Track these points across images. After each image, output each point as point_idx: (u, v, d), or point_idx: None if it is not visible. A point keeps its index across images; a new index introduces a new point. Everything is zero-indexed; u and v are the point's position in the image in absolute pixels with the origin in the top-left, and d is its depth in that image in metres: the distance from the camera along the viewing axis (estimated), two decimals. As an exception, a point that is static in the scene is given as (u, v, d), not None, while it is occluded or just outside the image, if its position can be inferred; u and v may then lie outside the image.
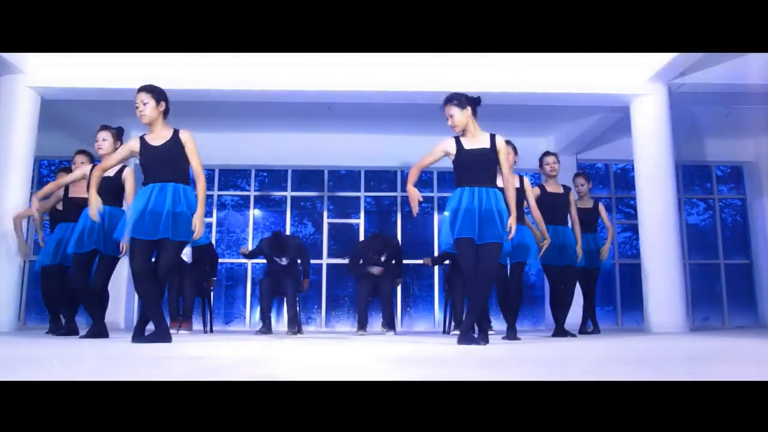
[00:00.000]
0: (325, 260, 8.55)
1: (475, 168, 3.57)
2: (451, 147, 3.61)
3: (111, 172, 4.29)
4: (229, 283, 8.92)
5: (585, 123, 7.76)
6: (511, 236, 3.54)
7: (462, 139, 3.62)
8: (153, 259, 3.57)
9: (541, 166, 5.06)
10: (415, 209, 3.59)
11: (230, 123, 8.04)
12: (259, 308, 7.78)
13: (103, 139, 4.36)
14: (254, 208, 8.96)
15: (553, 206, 4.90)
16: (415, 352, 2.81)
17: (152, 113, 3.60)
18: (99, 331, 4.20)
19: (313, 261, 8.19)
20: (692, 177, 9.37)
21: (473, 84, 6.32)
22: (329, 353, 2.73)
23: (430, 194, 9.02)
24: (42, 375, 1.61)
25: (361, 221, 8.82)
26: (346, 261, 8.49)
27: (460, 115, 3.60)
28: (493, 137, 3.62)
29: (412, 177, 3.68)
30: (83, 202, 4.46)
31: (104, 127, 4.44)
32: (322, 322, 8.53)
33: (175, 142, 3.58)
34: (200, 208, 3.54)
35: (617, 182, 9.27)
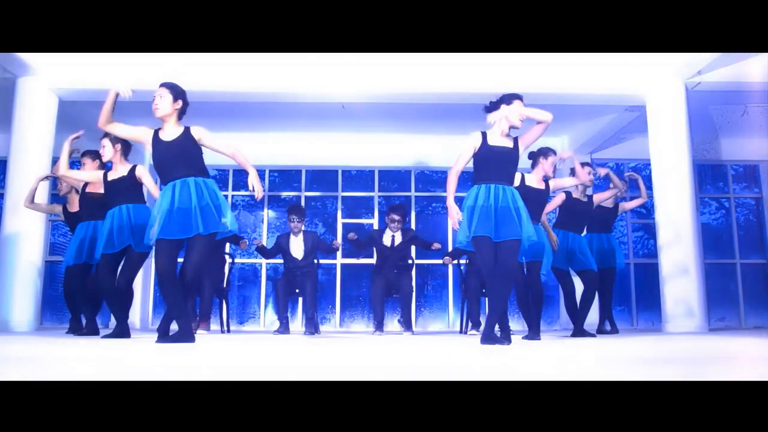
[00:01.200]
0: (339, 260, 8.55)
1: (495, 165, 3.56)
2: (477, 140, 3.58)
3: (124, 172, 4.31)
4: (239, 282, 8.93)
5: (600, 122, 7.73)
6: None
7: (488, 134, 3.61)
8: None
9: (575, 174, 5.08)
10: (456, 226, 3.53)
11: (243, 123, 8.05)
12: (274, 308, 7.80)
13: (102, 146, 4.39)
14: (267, 208, 8.97)
15: (581, 212, 4.94)
16: (470, 352, 2.80)
17: (166, 108, 3.60)
18: (121, 331, 4.22)
19: (326, 261, 8.22)
20: (704, 176, 9.32)
21: (487, 84, 6.33)
22: (380, 353, 2.73)
23: (445, 193, 8.98)
24: (84, 375, 1.61)
25: (375, 221, 8.82)
26: (360, 261, 8.52)
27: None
28: (516, 139, 3.62)
29: (452, 187, 3.56)
30: (99, 197, 4.49)
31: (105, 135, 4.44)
32: (337, 322, 8.53)
33: (186, 138, 3.58)
34: (252, 169, 3.58)
35: (630, 182, 9.21)
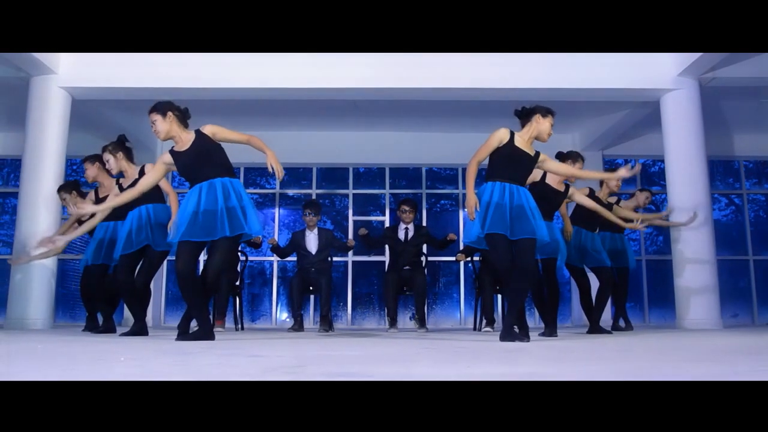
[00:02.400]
0: (351, 257, 8.55)
1: (514, 166, 3.57)
2: (505, 136, 3.57)
3: (135, 175, 4.29)
4: (248, 280, 8.94)
5: (612, 119, 7.71)
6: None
7: (516, 136, 3.62)
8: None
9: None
10: (472, 216, 3.52)
11: (255, 121, 8.05)
12: (288, 306, 7.81)
13: (106, 161, 4.37)
14: (276, 206, 8.98)
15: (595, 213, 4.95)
16: (501, 348, 2.80)
17: (164, 128, 3.60)
18: (139, 329, 4.24)
19: (338, 259, 8.22)
20: (714, 172, 9.29)
21: (499, 81, 6.34)
22: (410, 351, 2.72)
23: (455, 191, 9.00)
24: (107, 374, 1.62)
25: (386, 218, 8.82)
26: (370, 258, 8.53)
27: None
28: (538, 153, 3.67)
29: (473, 177, 3.55)
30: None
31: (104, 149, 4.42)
32: (348, 320, 8.53)
33: (200, 139, 3.58)
34: (269, 150, 3.53)
35: (633, 178, 9.20)
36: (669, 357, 2.21)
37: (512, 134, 3.60)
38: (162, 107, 3.63)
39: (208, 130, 3.61)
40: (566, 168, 4.06)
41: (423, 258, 6.24)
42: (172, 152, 3.65)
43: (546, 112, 3.69)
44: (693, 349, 2.71)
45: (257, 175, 9.15)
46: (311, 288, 5.97)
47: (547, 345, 3.14)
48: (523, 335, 3.59)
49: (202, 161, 3.55)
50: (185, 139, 3.62)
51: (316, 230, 5.99)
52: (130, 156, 4.41)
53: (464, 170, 8.98)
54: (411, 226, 6.08)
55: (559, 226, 4.53)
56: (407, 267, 5.98)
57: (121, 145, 4.39)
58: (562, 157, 4.60)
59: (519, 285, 3.49)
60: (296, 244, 6.01)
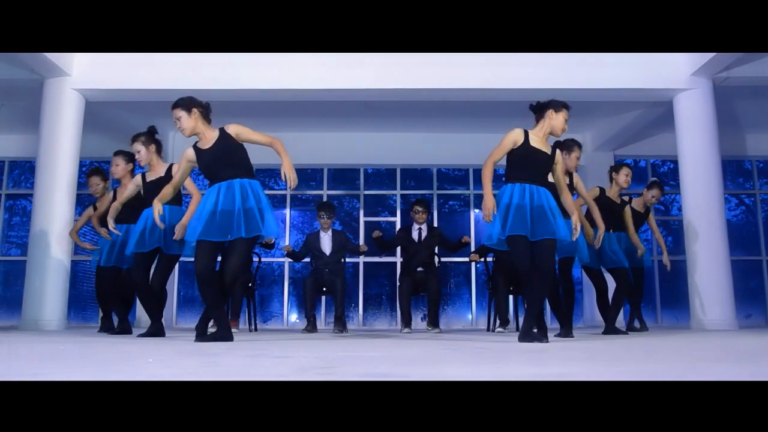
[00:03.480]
0: (362, 259, 8.55)
1: (533, 166, 3.56)
2: (519, 137, 3.56)
3: (161, 172, 4.32)
4: (258, 282, 8.94)
5: (624, 119, 7.68)
6: (576, 235, 3.53)
7: (530, 134, 3.60)
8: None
9: (617, 173, 5.07)
10: (489, 219, 3.48)
11: (266, 122, 8.03)
12: (300, 307, 7.81)
13: (137, 151, 4.37)
14: (287, 207, 8.99)
15: (612, 212, 4.92)
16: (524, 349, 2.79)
17: (189, 124, 3.61)
18: (156, 330, 4.24)
19: (349, 260, 8.20)
20: (724, 172, 9.23)
21: (511, 81, 6.32)
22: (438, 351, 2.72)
23: (466, 191, 8.99)
24: (140, 374, 1.61)
25: (397, 219, 8.82)
26: (382, 259, 8.52)
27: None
28: (554, 149, 3.64)
29: (489, 178, 3.51)
30: (133, 203, 4.49)
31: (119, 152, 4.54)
32: (360, 321, 8.53)
33: (223, 139, 3.58)
34: (286, 158, 3.51)
35: (645, 179, 9.17)
36: (699, 357, 2.20)
37: (526, 134, 3.58)
38: (186, 103, 3.63)
39: (233, 129, 3.61)
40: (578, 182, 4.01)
41: (436, 259, 6.24)
42: (195, 148, 3.66)
43: (560, 106, 3.65)
44: (719, 349, 2.69)
45: (267, 176, 9.16)
46: (324, 289, 5.98)
47: (568, 346, 3.12)
48: (542, 336, 3.58)
49: (223, 161, 3.55)
50: (209, 136, 3.63)
51: (330, 232, 6.02)
52: (159, 149, 4.43)
53: (475, 171, 9.06)
54: (424, 227, 6.09)
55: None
56: (420, 268, 6.00)
57: (152, 136, 4.41)
58: (557, 145, 4.51)
59: (538, 287, 3.48)
60: (310, 245, 6.03)
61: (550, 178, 3.77)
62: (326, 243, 5.98)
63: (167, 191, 3.84)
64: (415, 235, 6.06)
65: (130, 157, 4.78)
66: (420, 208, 6.08)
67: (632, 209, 5.39)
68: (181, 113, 3.61)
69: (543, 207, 3.47)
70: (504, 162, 3.61)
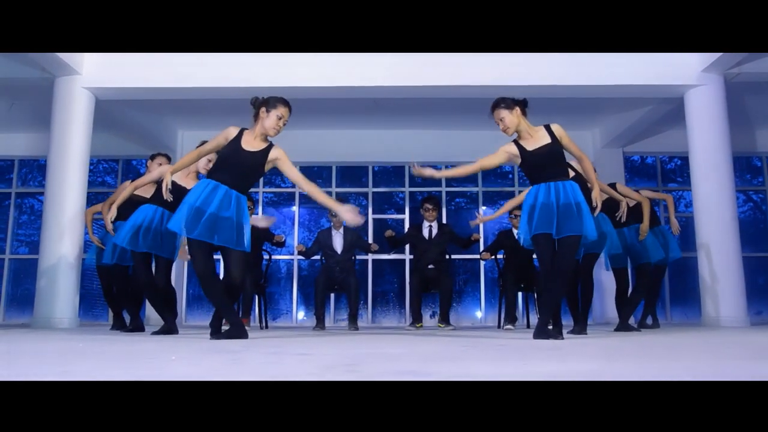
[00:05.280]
0: (371, 256, 8.55)
1: (543, 166, 3.55)
2: (514, 152, 3.59)
3: (188, 184, 4.14)
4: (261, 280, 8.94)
5: (633, 115, 7.66)
6: (597, 210, 3.52)
7: (522, 143, 3.60)
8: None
9: None
10: (421, 173, 3.65)
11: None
12: (311, 304, 7.79)
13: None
14: (295, 205, 8.99)
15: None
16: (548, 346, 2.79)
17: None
18: (170, 328, 4.25)
19: (358, 257, 8.21)
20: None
21: (519, 77, 6.30)
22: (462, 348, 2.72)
23: (475, 189, 8.98)
24: (168, 374, 1.62)
25: (406, 217, 8.82)
26: (390, 256, 8.52)
27: (510, 117, 3.58)
28: (548, 128, 3.59)
29: (458, 172, 3.72)
30: (141, 200, 4.48)
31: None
32: (369, 318, 8.54)
33: (263, 156, 3.49)
34: (337, 205, 3.49)
35: (654, 175, 9.14)
36: (722, 354, 2.19)
37: (518, 145, 3.60)
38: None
39: (278, 153, 3.51)
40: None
41: (448, 256, 6.23)
42: (240, 135, 3.49)
43: (492, 107, 3.63)
44: (740, 346, 2.68)
45: (273, 174, 9.17)
46: (336, 287, 5.99)
47: (583, 342, 3.12)
48: (557, 333, 3.58)
49: (245, 172, 3.49)
50: (258, 143, 3.51)
51: (342, 230, 6.02)
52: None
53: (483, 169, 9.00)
54: (434, 224, 6.10)
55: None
56: (431, 266, 5.98)
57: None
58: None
59: (556, 285, 3.49)
60: (322, 243, 6.03)
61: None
62: (338, 241, 6.00)
63: (185, 159, 3.64)
64: (425, 233, 6.07)
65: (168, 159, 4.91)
66: (430, 206, 6.08)
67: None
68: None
69: (570, 204, 3.46)
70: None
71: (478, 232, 8.53)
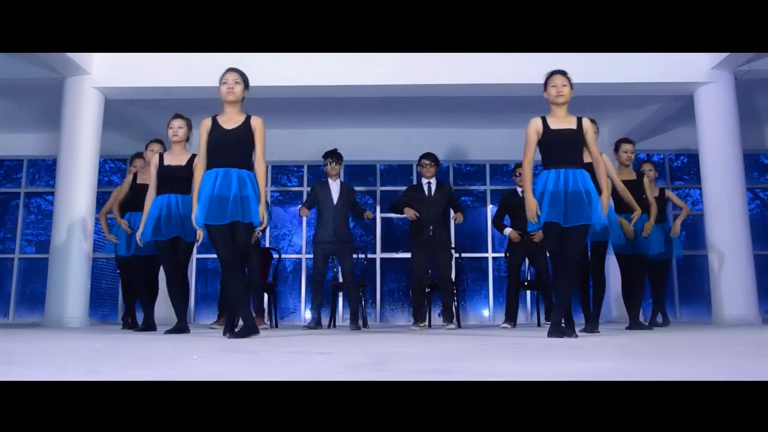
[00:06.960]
0: (379, 254, 8.55)
1: (561, 147, 3.52)
2: (538, 126, 3.57)
3: (182, 161, 4.33)
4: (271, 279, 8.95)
5: (643, 113, 7.64)
6: (605, 213, 3.50)
7: (549, 119, 3.59)
8: None
9: (616, 152, 5.01)
10: (534, 220, 3.48)
11: (283, 119, 8.08)
12: (309, 292, 7.74)
13: (179, 127, 4.42)
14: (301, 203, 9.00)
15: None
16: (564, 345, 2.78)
17: (240, 94, 3.66)
18: (182, 326, 4.26)
19: (369, 255, 8.19)
20: (741, 165, 9.19)
21: (530, 75, 6.24)
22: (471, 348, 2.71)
23: (482, 187, 8.98)
24: (195, 373, 1.62)
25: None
26: (398, 255, 8.49)
27: (569, 89, 3.58)
28: (580, 119, 3.60)
29: (529, 178, 3.54)
30: (145, 188, 4.49)
31: (179, 116, 4.49)
32: (377, 317, 8.54)
33: (245, 127, 3.60)
34: (261, 195, 3.54)
35: (662, 172, 9.11)
36: (746, 354, 2.19)
37: (544, 119, 3.58)
38: (245, 79, 3.71)
39: (255, 122, 3.63)
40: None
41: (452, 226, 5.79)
42: (215, 120, 3.64)
43: (548, 76, 3.64)
44: (757, 346, 2.67)
45: (279, 173, 9.19)
46: (332, 257, 5.74)
47: (599, 341, 3.10)
48: (571, 331, 3.57)
49: (235, 148, 3.57)
50: (236, 118, 3.64)
51: (338, 181, 5.76)
52: (188, 137, 4.53)
53: (491, 167, 9.01)
54: (433, 182, 5.73)
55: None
56: (431, 228, 5.57)
57: (190, 122, 4.52)
58: None
59: (565, 276, 3.47)
60: (317, 195, 5.71)
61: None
62: (334, 191, 5.69)
63: (201, 164, 3.68)
64: (425, 190, 5.72)
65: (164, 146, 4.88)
66: (427, 161, 5.72)
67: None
68: (241, 82, 3.66)
69: (579, 192, 3.43)
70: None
71: (486, 231, 8.54)
